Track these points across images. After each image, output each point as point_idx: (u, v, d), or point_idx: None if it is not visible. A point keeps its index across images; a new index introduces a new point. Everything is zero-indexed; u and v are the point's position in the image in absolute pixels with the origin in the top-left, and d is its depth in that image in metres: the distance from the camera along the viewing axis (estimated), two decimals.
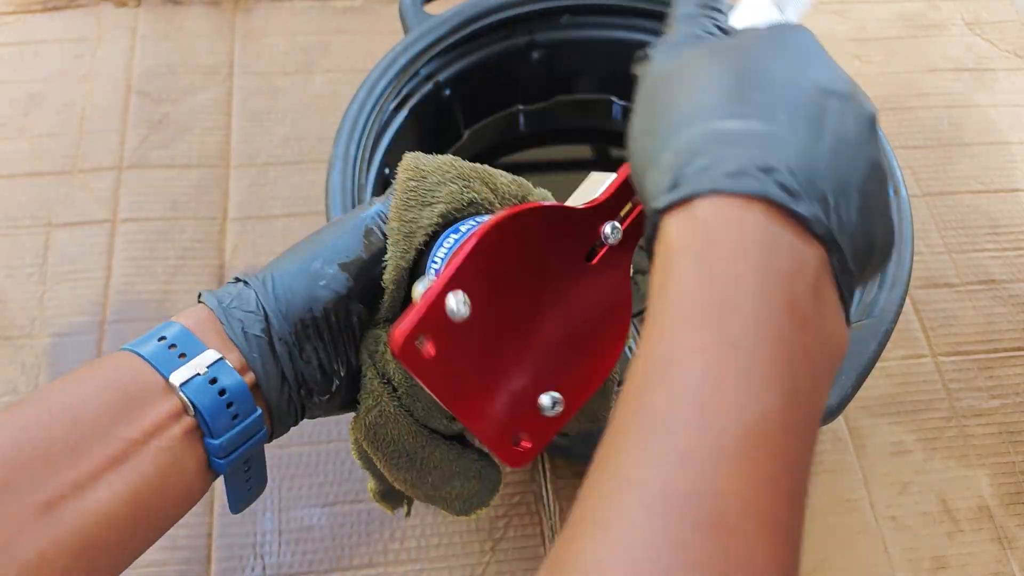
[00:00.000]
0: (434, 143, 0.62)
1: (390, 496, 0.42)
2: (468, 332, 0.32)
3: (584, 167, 0.67)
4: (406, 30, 0.58)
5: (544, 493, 0.54)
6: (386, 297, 0.36)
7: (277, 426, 0.36)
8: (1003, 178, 0.69)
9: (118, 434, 0.31)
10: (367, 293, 0.36)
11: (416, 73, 0.57)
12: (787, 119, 0.27)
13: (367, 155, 0.53)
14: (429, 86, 0.58)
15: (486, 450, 0.40)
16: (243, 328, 0.34)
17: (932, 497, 0.55)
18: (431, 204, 0.36)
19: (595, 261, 0.36)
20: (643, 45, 0.62)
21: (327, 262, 0.36)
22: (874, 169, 0.28)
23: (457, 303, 0.31)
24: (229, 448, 0.33)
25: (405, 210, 0.36)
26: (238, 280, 0.36)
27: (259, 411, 0.33)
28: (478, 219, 0.37)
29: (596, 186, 0.37)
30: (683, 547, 0.22)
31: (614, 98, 0.67)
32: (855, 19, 0.78)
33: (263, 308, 0.34)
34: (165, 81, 0.70)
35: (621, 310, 0.37)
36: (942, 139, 0.71)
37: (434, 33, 0.57)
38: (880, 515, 0.54)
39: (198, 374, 0.32)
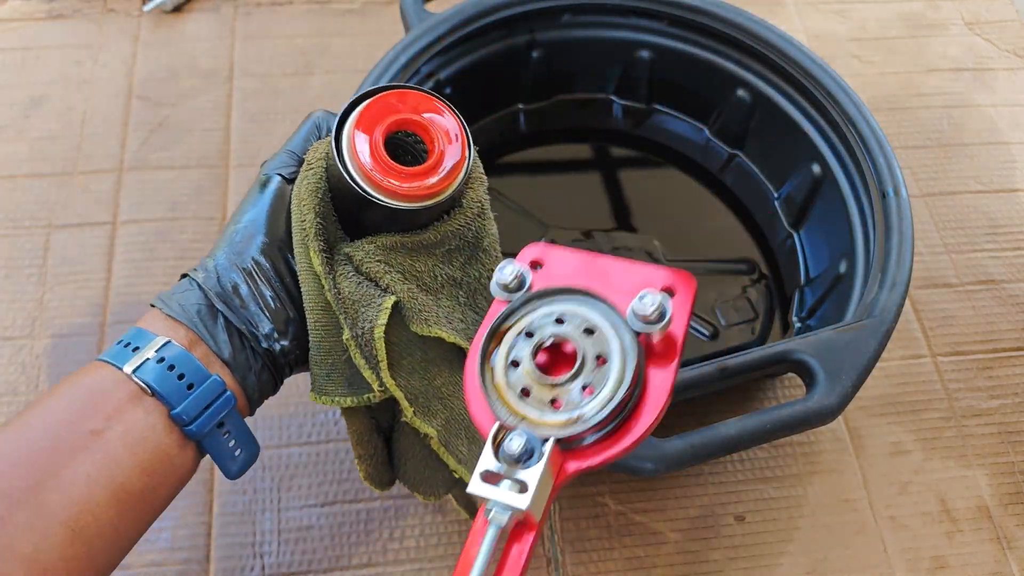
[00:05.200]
0: None
1: (376, 477, 0.43)
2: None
3: (584, 167, 0.67)
4: (407, 28, 0.58)
5: None
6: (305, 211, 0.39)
7: (247, 383, 0.38)
8: (1002, 178, 0.69)
9: (85, 427, 0.34)
10: (285, 228, 0.39)
11: (417, 71, 0.57)
12: None
13: None
14: (430, 84, 0.59)
15: None
16: (180, 304, 0.38)
17: (931, 497, 0.55)
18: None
19: None
20: (643, 45, 0.63)
21: (239, 220, 0.40)
22: None
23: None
24: (193, 414, 0.36)
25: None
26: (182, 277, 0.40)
27: (215, 376, 0.37)
28: None
29: None
30: None
31: (614, 98, 0.67)
32: (855, 19, 0.79)
33: (196, 282, 0.38)
34: (165, 85, 0.70)
35: None
36: (941, 139, 0.71)
37: (435, 31, 0.57)
38: (879, 515, 0.54)
39: (148, 358, 0.36)
